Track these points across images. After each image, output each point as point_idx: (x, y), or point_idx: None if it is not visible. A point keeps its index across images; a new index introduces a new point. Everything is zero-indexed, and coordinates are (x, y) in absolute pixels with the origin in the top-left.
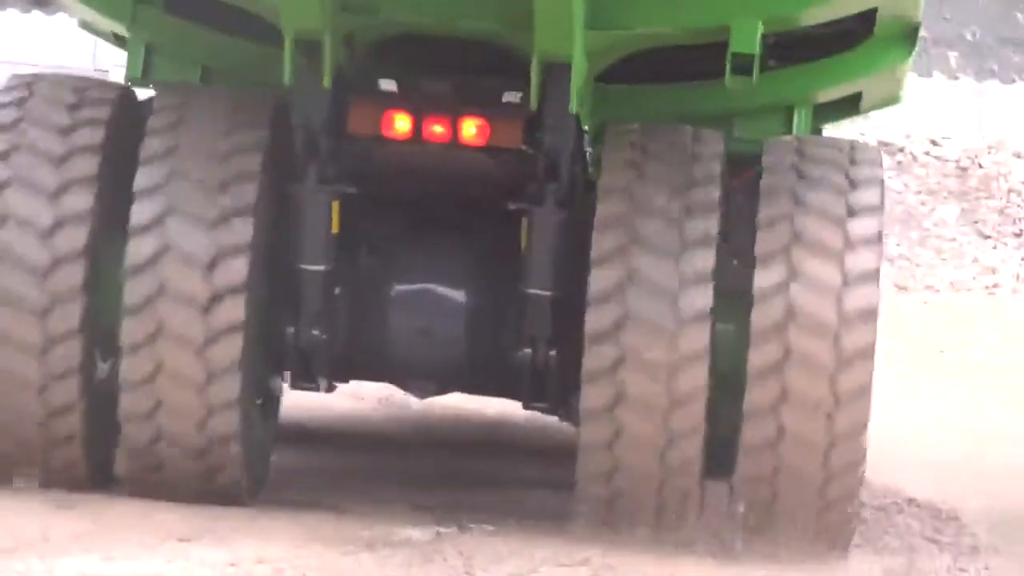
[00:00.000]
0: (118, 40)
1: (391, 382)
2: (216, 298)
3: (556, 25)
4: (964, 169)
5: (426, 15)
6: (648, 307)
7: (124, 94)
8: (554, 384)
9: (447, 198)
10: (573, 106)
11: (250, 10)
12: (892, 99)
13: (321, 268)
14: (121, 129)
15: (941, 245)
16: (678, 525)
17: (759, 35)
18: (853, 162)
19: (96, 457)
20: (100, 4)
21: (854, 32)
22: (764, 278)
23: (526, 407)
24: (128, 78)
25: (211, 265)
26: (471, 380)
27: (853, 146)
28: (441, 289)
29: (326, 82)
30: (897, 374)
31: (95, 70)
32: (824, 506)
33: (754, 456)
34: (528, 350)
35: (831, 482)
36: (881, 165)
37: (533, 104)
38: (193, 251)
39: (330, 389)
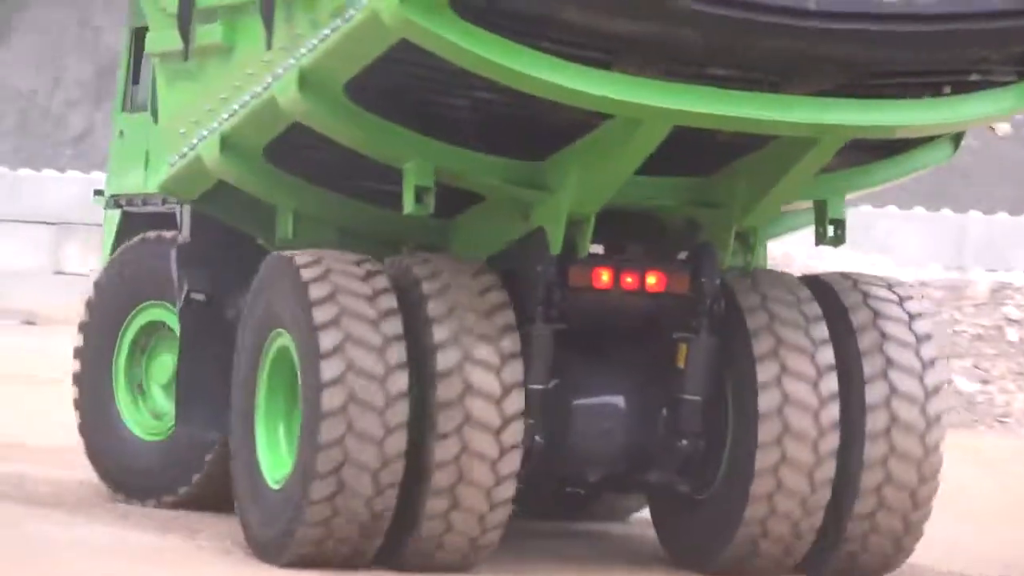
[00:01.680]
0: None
1: (572, 473)
2: (504, 424)
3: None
4: None
5: (640, 199)
6: (800, 421)
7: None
8: (700, 466)
9: (625, 329)
10: (727, 261)
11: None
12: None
13: (547, 387)
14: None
15: None
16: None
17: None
18: (909, 297)
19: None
20: (259, 183)
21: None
22: (872, 394)
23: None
24: (279, 239)
25: (500, 399)
26: (637, 468)
27: (890, 283)
28: (619, 398)
29: (583, 251)
30: None
31: None
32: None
33: (866, 497)
34: (684, 441)
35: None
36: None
37: (729, 261)
38: (486, 389)
39: None
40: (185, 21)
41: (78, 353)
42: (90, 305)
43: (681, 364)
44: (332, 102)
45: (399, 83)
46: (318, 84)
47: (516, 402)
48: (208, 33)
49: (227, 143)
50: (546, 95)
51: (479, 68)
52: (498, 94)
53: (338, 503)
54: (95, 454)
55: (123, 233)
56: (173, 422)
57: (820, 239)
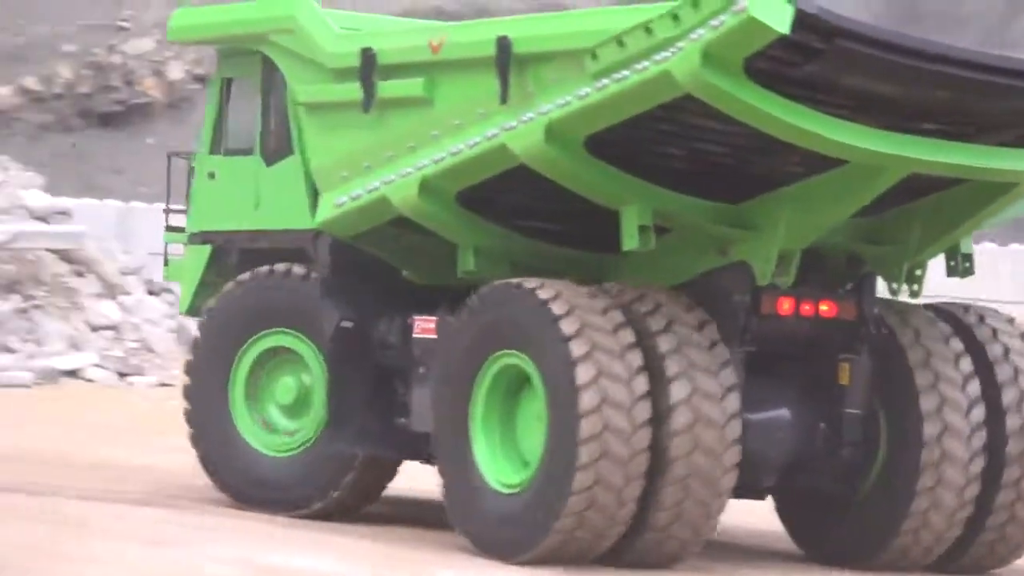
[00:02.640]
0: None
1: (750, 480)
2: (726, 449)
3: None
4: None
5: (826, 236)
6: (956, 447)
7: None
8: (856, 473)
9: (793, 350)
10: (899, 290)
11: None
12: None
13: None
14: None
15: None
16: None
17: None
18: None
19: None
20: (450, 223)
21: None
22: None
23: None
24: (463, 272)
25: (723, 426)
26: (802, 474)
27: (1008, 318)
28: (788, 411)
29: (789, 281)
30: None
31: None
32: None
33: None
34: (845, 450)
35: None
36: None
37: (901, 292)
38: (714, 417)
39: None
40: (367, 76)
41: (188, 392)
42: (198, 344)
43: (844, 381)
44: (572, 152)
45: (633, 136)
46: (562, 136)
47: (736, 429)
48: (396, 87)
49: (426, 186)
50: (821, 149)
51: (764, 125)
52: (718, 145)
53: (587, 516)
54: (215, 470)
55: (213, 267)
56: (300, 439)
57: (952, 272)
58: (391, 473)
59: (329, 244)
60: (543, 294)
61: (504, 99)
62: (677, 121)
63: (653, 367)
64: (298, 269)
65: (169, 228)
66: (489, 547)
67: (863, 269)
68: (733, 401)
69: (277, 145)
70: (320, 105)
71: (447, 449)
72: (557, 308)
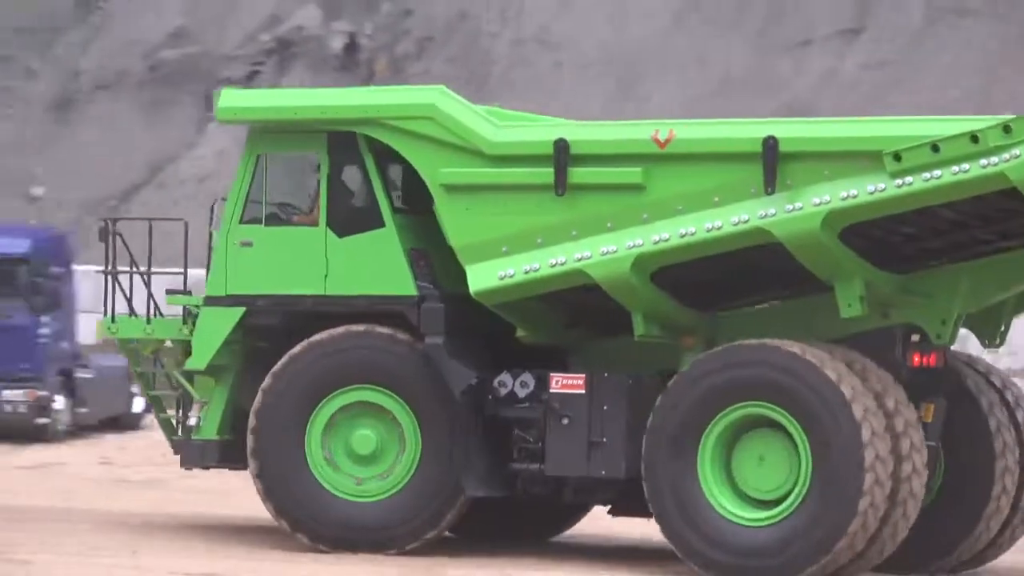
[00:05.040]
0: None
1: None
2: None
3: None
4: None
5: None
6: (1011, 476)
7: None
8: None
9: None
10: (991, 345)
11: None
12: None
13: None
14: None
15: None
16: None
17: None
18: None
19: None
20: (642, 295)
21: None
22: None
23: None
24: (639, 335)
25: (923, 468)
26: None
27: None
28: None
29: (952, 341)
30: None
31: None
32: None
33: None
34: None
35: None
36: None
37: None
38: (918, 465)
39: None
40: (561, 162)
41: (257, 450)
42: (262, 409)
43: (928, 419)
44: (831, 235)
45: (881, 223)
46: (836, 223)
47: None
48: (601, 174)
49: (638, 263)
50: None
51: None
52: (922, 231)
53: (857, 535)
54: (297, 519)
55: (246, 329)
56: (388, 486)
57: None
58: (564, 524)
59: (443, 310)
60: (812, 358)
61: (770, 189)
62: (942, 210)
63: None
64: (381, 330)
65: (170, 292)
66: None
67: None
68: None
69: (355, 218)
70: (473, 187)
71: (666, 492)
72: (831, 374)
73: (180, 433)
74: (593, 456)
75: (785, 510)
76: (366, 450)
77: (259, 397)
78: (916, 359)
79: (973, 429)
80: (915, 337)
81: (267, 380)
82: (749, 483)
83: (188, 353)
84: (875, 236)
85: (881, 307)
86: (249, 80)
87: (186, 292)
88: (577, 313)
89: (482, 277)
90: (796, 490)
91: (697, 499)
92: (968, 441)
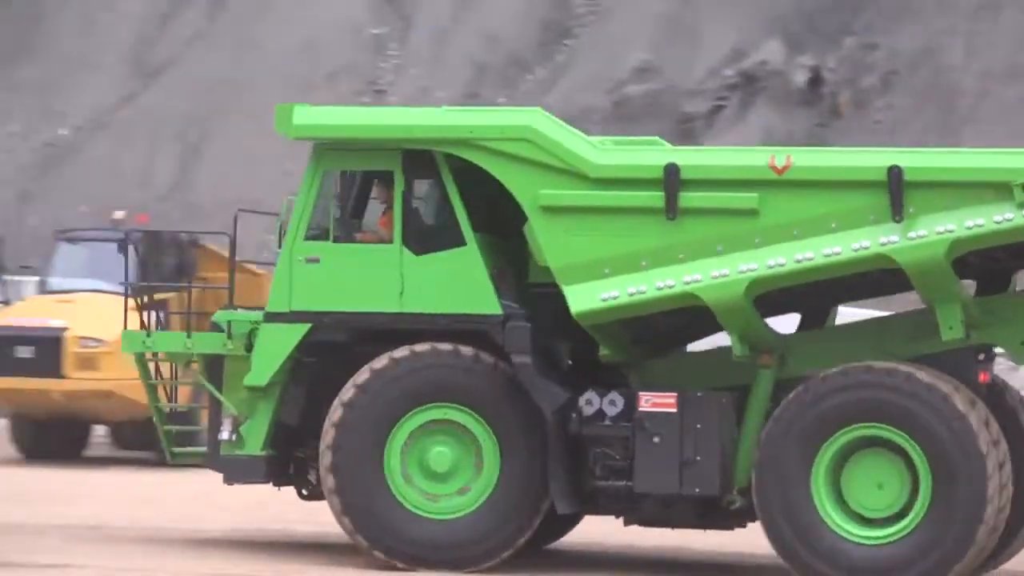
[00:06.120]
0: None
1: None
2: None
3: None
4: None
5: None
6: None
7: None
8: None
9: None
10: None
11: None
12: None
13: None
14: None
15: None
16: None
17: None
18: None
19: None
20: (745, 318)
21: None
22: None
23: None
24: (737, 356)
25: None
26: None
27: None
28: None
29: None
30: None
31: None
32: None
33: None
34: None
35: None
36: None
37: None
38: (1007, 470)
39: None
40: (672, 187)
41: (336, 465)
42: (343, 423)
43: None
44: (948, 261)
45: (992, 251)
46: (957, 250)
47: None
48: (713, 199)
49: (751, 288)
50: None
51: None
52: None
53: (987, 540)
54: (376, 536)
55: (303, 345)
56: (468, 504)
57: None
58: (559, 533)
59: (529, 328)
60: (925, 378)
61: (898, 216)
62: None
63: None
64: (465, 349)
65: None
66: None
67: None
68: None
69: (433, 236)
70: (575, 208)
71: (779, 509)
72: (944, 388)
73: (208, 448)
74: (686, 474)
75: (902, 530)
76: (442, 468)
77: (340, 411)
78: (983, 377)
79: (1014, 442)
80: (980, 356)
81: (349, 393)
82: (858, 501)
83: (215, 367)
84: (972, 261)
85: (958, 329)
86: (712, 115)
87: (233, 307)
88: (641, 331)
89: (583, 298)
90: (914, 511)
91: (811, 516)
92: (1014, 454)
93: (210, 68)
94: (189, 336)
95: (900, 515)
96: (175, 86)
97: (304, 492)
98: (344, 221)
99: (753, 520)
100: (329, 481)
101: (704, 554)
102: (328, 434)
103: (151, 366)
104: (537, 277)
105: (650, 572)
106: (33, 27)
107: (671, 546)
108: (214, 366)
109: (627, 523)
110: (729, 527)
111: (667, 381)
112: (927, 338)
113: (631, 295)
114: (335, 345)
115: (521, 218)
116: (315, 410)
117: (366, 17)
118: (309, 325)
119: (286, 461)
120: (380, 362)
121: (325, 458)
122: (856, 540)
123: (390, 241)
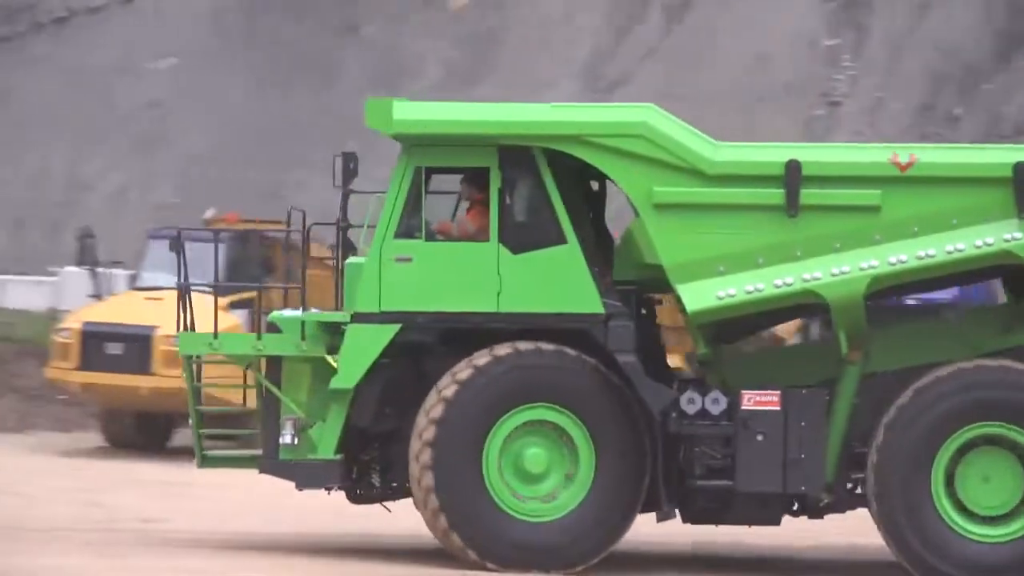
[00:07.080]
0: None
1: None
2: None
3: None
4: None
5: None
6: None
7: None
8: None
9: None
10: None
11: None
12: None
13: None
14: None
15: None
16: None
17: None
18: None
19: None
20: (858, 313)
21: None
22: None
23: None
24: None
25: None
26: None
27: None
28: None
29: None
30: None
31: None
32: None
33: None
34: None
35: None
36: None
37: None
38: None
39: None
40: (793, 184)
41: (436, 462)
42: (443, 421)
43: None
44: None
45: None
46: None
47: None
48: (836, 196)
49: (872, 284)
50: None
51: None
52: None
53: None
54: (471, 536)
55: (394, 347)
56: (562, 506)
57: None
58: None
59: (632, 327)
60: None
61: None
62: None
63: None
64: (569, 349)
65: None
66: None
67: None
68: None
69: (532, 235)
70: (689, 205)
71: (900, 509)
72: None
73: (265, 452)
74: (790, 472)
75: (1021, 528)
76: (537, 469)
77: (440, 408)
78: None
79: None
80: None
81: (451, 389)
82: (973, 499)
83: (275, 369)
84: None
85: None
86: None
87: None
88: (727, 331)
89: (699, 297)
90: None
91: (931, 516)
92: None
93: (662, 82)
94: (259, 338)
95: (1015, 513)
96: (627, 101)
97: (359, 493)
98: (432, 219)
99: (830, 514)
100: (427, 479)
101: (757, 548)
102: (427, 431)
103: (193, 368)
104: (620, 275)
105: (715, 571)
106: (493, 45)
107: (725, 543)
108: (274, 368)
109: (689, 520)
110: (812, 518)
111: (751, 378)
112: (1010, 333)
113: (748, 293)
114: (423, 346)
115: (599, 217)
116: (382, 413)
117: (821, 29)
118: (399, 326)
119: (351, 464)
120: (482, 359)
121: (424, 455)
122: (976, 538)
123: (474, 238)
